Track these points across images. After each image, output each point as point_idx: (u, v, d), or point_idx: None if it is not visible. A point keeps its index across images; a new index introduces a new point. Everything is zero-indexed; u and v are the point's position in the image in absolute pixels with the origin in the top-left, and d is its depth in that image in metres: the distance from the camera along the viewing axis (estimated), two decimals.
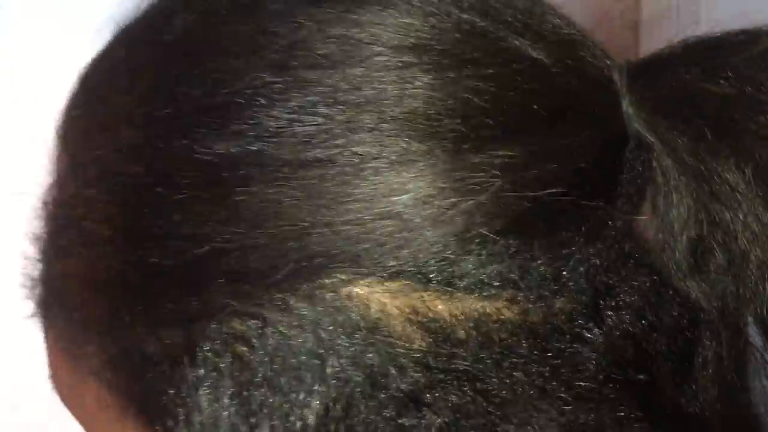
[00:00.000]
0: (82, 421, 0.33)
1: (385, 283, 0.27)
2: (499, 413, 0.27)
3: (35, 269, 0.32)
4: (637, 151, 0.29)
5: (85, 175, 0.29)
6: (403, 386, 0.27)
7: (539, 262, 0.27)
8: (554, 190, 0.27)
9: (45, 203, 0.31)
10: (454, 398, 0.27)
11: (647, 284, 0.29)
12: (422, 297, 0.27)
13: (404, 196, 0.26)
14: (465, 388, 0.27)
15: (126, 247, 0.28)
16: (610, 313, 0.28)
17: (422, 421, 0.27)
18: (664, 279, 0.29)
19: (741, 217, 0.28)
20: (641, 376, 0.29)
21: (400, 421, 0.27)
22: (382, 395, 0.27)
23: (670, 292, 0.29)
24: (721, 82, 0.28)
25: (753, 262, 0.28)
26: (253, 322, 0.27)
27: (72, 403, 0.33)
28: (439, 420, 0.27)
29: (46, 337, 0.32)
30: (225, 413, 0.27)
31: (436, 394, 0.27)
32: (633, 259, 0.29)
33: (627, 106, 0.29)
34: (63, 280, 0.30)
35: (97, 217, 0.29)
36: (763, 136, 0.28)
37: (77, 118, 0.31)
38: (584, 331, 0.28)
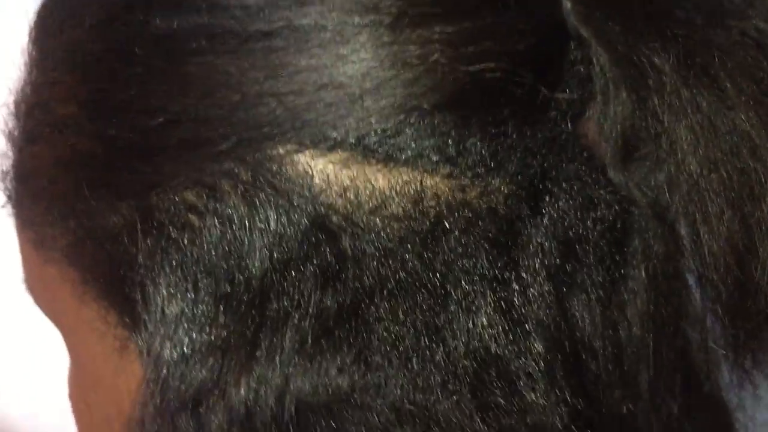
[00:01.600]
0: (49, 309, 0.35)
1: (329, 154, 0.28)
2: (429, 288, 0.29)
3: (7, 162, 0.33)
4: (578, 43, 0.30)
5: (52, 61, 0.31)
6: (329, 256, 0.28)
7: (476, 138, 0.29)
8: (491, 65, 0.28)
9: (15, 101, 0.33)
10: (382, 271, 0.28)
11: (584, 174, 0.30)
12: (364, 169, 0.29)
13: (346, 67, 0.28)
14: (395, 263, 0.29)
15: (88, 122, 0.30)
16: (546, 197, 0.30)
17: (346, 289, 0.28)
18: (601, 170, 0.30)
19: (667, 102, 0.28)
20: (575, 264, 0.30)
21: (325, 291, 0.28)
22: (314, 261, 0.28)
23: (606, 184, 0.30)
24: None
25: (679, 147, 0.28)
26: (204, 191, 0.29)
27: (40, 294, 0.35)
28: (361, 292, 0.28)
29: (17, 231, 0.34)
30: (179, 282, 0.29)
31: (362, 266, 0.28)
32: (572, 148, 0.30)
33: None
34: (30, 164, 0.32)
35: (61, 96, 0.31)
36: (687, 20, 0.29)
37: (45, 16, 0.33)
38: (520, 213, 0.29)
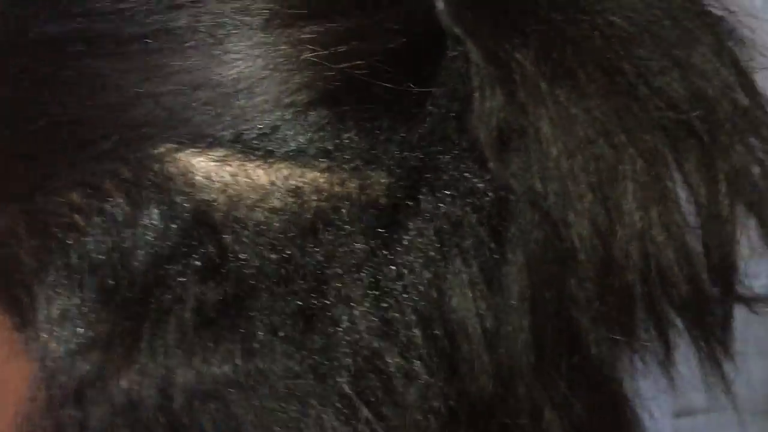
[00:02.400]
0: None
1: (208, 152, 0.29)
2: (309, 279, 0.30)
3: None
4: (455, 42, 0.31)
5: None
6: (211, 250, 0.29)
7: (352, 133, 0.30)
8: (360, 63, 0.29)
9: None
10: (262, 264, 0.30)
11: (465, 166, 0.31)
12: (244, 165, 0.30)
13: (221, 68, 0.29)
14: (276, 255, 0.30)
15: None
16: (426, 189, 0.31)
17: (228, 282, 0.30)
18: (481, 162, 0.31)
19: (530, 95, 0.30)
20: (454, 252, 0.31)
21: (206, 284, 0.29)
22: (195, 256, 0.29)
23: (485, 175, 0.31)
24: None
25: (543, 137, 0.30)
26: (88, 191, 0.30)
27: None
28: (242, 284, 0.30)
29: None
30: (65, 281, 0.30)
31: (243, 260, 0.30)
32: (453, 142, 0.31)
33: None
34: None
35: None
36: (545, 16, 0.30)
37: None
38: (400, 204, 0.30)
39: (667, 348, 0.34)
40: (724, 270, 0.32)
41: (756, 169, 0.32)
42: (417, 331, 0.30)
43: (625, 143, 0.30)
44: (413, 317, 0.31)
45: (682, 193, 0.31)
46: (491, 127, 0.30)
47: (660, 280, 0.31)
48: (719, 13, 0.32)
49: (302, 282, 0.30)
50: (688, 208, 0.32)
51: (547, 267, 0.31)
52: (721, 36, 0.32)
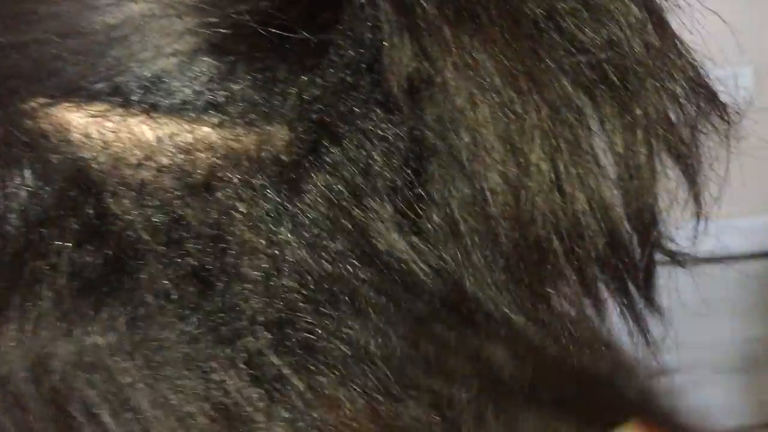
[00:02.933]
0: None
1: (85, 106, 0.27)
2: (203, 240, 0.28)
3: None
4: None
5: None
6: (90, 213, 0.27)
7: (243, 84, 0.28)
8: (249, 9, 0.27)
9: None
10: (149, 225, 0.28)
11: (375, 116, 0.29)
12: (125, 120, 0.27)
13: (92, 14, 0.27)
14: (164, 216, 0.28)
15: None
16: (330, 141, 0.29)
17: (110, 246, 0.28)
18: (393, 111, 0.29)
19: (436, 42, 0.28)
20: (366, 200, 0.29)
21: (85, 248, 0.28)
22: (73, 219, 0.27)
23: (397, 123, 0.29)
24: None
25: (449, 85, 0.28)
26: None
27: None
28: (126, 247, 0.28)
29: None
30: None
31: (127, 221, 0.28)
32: (363, 92, 0.29)
33: None
34: None
35: None
36: None
37: None
38: (303, 159, 0.29)
39: (597, 304, 0.33)
40: (644, 221, 0.31)
41: (674, 114, 0.30)
42: (337, 281, 0.29)
43: (531, 90, 0.28)
44: (330, 267, 0.29)
45: (601, 143, 0.30)
46: (401, 78, 0.29)
47: (575, 233, 0.30)
48: None
49: (197, 243, 0.28)
50: (607, 158, 0.30)
51: (469, 220, 0.30)
52: None
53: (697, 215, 0.33)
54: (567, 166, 0.29)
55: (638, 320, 0.33)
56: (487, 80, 0.28)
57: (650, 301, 0.33)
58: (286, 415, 0.29)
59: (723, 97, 0.32)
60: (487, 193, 0.29)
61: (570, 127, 0.29)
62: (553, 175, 0.29)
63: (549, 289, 0.31)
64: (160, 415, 0.28)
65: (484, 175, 0.29)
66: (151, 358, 0.28)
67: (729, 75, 0.34)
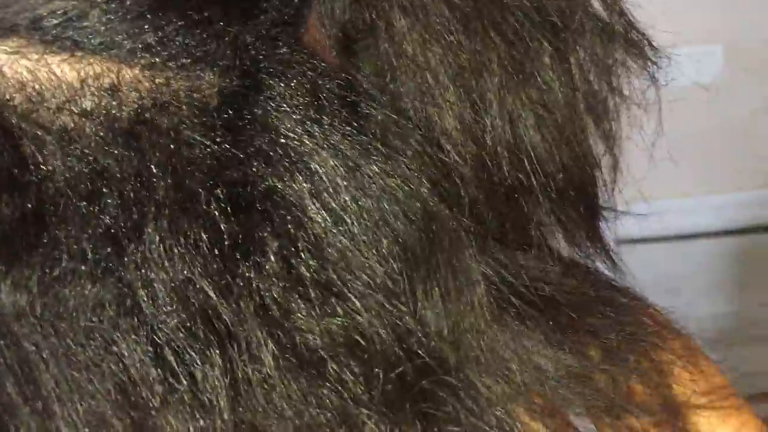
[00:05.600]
0: None
1: (0, 43, 0.25)
2: (128, 190, 0.26)
3: None
4: None
5: None
6: (6, 160, 0.25)
7: (175, 26, 0.26)
8: None
9: None
10: (70, 174, 0.26)
11: (307, 67, 0.28)
12: (45, 58, 0.26)
13: None
14: (87, 164, 0.26)
15: None
16: (263, 89, 0.28)
17: (28, 197, 0.26)
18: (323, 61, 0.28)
19: None
20: (307, 144, 0.28)
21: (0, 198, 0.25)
22: None
23: (331, 73, 0.28)
24: None
25: (396, 30, 0.27)
26: None
27: None
28: (46, 199, 0.26)
29: None
30: None
31: (47, 170, 0.26)
32: (293, 43, 0.28)
33: None
34: None
35: None
36: None
37: None
38: (234, 106, 0.27)
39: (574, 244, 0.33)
40: (582, 165, 0.31)
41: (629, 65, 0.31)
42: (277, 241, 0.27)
43: (486, 29, 0.27)
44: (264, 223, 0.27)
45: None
46: (336, 30, 0.28)
47: (539, 169, 0.29)
48: None
49: (119, 194, 0.26)
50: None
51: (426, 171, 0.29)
52: None
53: (611, 187, 0.33)
54: (524, 102, 0.29)
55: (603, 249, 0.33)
56: (439, 23, 0.27)
57: (596, 241, 0.33)
58: (182, 407, 0.27)
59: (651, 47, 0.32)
60: (443, 139, 0.28)
61: (523, 65, 0.28)
62: (510, 114, 0.28)
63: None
64: (65, 391, 0.26)
65: (438, 121, 0.28)
66: (58, 325, 0.26)
67: (700, 53, 0.34)
